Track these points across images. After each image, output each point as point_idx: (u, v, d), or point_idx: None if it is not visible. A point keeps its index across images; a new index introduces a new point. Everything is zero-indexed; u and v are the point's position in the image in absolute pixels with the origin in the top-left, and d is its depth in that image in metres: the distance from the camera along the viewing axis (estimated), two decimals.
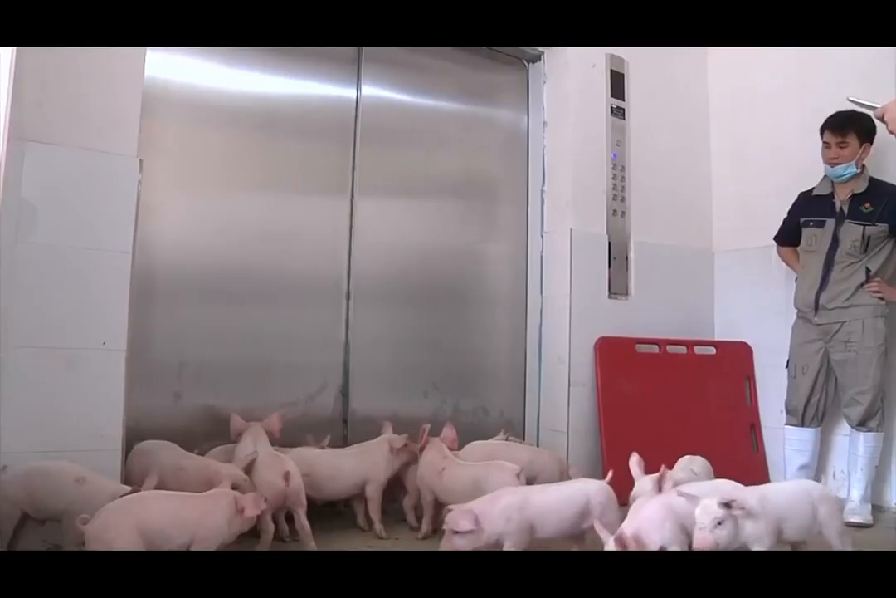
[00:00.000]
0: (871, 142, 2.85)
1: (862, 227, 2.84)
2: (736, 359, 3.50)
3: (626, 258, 3.41)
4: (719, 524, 1.66)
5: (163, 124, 2.60)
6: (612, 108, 3.43)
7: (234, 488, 1.89)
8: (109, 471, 2.10)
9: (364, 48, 3.08)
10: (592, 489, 1.98)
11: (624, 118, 3.46)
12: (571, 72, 3.35)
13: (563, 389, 3.15)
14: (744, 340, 3.53)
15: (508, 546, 1.85)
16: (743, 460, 3.30)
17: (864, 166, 2.91)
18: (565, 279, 3.22)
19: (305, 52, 2.91)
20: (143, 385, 2.42)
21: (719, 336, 3.65)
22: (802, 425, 3.00)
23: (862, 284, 2.83)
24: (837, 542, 1.89)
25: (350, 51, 3.06)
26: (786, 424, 3.08)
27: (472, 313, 3.30)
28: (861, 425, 2.84)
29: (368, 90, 3.09)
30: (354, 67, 3.08)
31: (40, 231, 2.14)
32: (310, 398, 2.85)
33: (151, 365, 2.52)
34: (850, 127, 2.83)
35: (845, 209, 2.90)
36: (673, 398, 3.22)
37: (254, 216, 2.80)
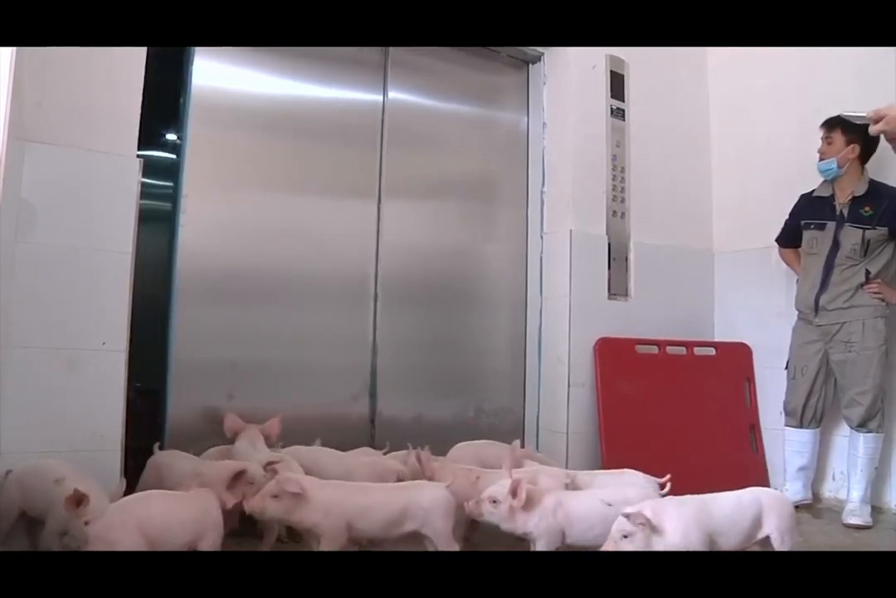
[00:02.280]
0: (862, 144, 2.85)
1: (862, 230, 2.84)
2: (736, 360, 3.50)
3: (626, 259, 3.41)
4: (625, 537, 1.66)
5: (208, 129, 2.73)
6: (611, 108, 3.43)
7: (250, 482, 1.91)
8: (109, 471, 2.11)
9: (391, 54, 3.16)
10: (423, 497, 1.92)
11: (624, 119, 3.47)
12: (571, 73, 3.35)
13: (562, 389, 3.15)
14: (743, 341, 3.53)
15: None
16: (742, 461, 3.30)
17: (864, 169, 2.91)
18: (565, 280, 3.22)
19: (336, 57, 3.02)
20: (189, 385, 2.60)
21: (719, 337, 3.65)
22: (801, 426, 3.01)
23: (862, 286, 2.84)
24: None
25: (377, 56, 3.14)
26: (785, 425, 3.08)
27: (477, 314, 3.32)
28: (861, 426, 2.83)
29: (393, 95, 3.17)
30: (381, 72, 3.16)
31: (40, 231, 2.13)
32: (341, 399, 2.93)
33: (198, 366, 2.64)
34: (837, 124, 2.87)
35: (845, 212, 2.90)
36: (673, 399, 3.22)
37: (288, 218, 2.89)
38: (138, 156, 2.33)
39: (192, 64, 2.71)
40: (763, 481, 3.26)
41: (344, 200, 3.03)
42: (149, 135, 2.48)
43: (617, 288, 3.36)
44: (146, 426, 2.52)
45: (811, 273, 2.98)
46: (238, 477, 1.89)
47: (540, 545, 1.88)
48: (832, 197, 2.96)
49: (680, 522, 1.71)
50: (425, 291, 3.19)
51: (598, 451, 3.04)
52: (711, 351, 3.48)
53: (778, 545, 1.83)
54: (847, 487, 2.90)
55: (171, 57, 2.72)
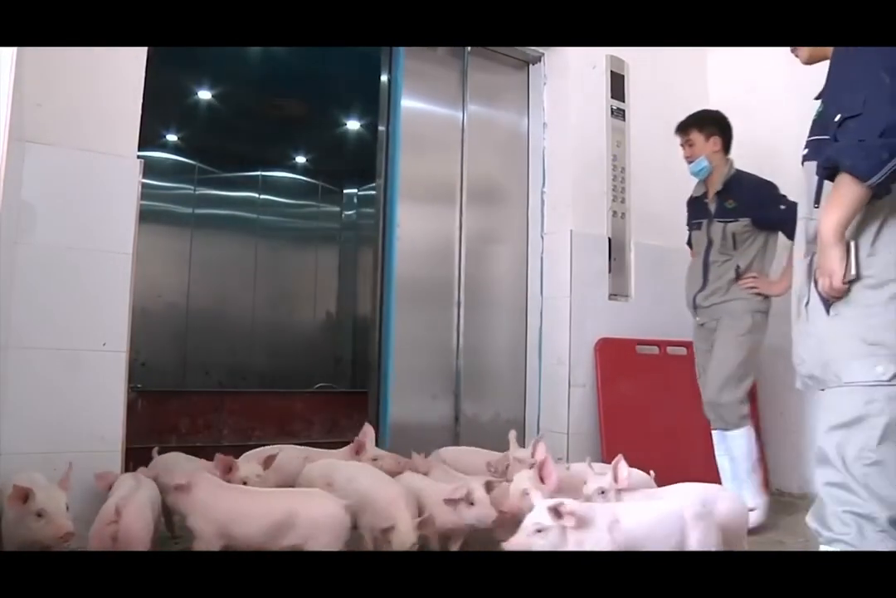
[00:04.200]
0: (720, 134, 2.82)
1: (724, 224, 2.78)
2: None
3: (627, 259, 3.41)
4: (538, 531, 1.51)
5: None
6: (612, 109, 3.43)
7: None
8: None
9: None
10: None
11: (624, 119, 3.46)
12: (572, 73, 3.36)
13: (563, 390, 3.15)
14: None
15: None
16: None
17: (730, 161, 2.85)
18: (565, 280, 3.22)
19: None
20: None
21: None
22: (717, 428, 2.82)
23: (734, 281, 2.75)
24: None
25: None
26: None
27: (481, 314, 3.36)
28: (719, 421, 2.71)
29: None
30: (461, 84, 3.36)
31: (40, 232, 2.13)
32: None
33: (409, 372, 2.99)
34: (689, 125, 2.86)
35: (712, 208, 2.85)
36: (673, 400, 3.21)
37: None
38: (139, 157, 2.33)
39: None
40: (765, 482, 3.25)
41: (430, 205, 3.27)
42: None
43: (617, 288, 3.36)
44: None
45: (693, 273, 2.92)
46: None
47: None
48: (705, 195, 2.91)
49: (595, 528, 1.56)
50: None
51: (599, 451, 3.04)
52: None
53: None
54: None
55: None
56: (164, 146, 5.36)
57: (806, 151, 1.53)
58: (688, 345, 3.38)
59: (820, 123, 1.51)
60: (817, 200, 1.48)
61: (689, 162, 2.88)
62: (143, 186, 2.36)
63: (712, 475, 2.71)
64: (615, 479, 1.87)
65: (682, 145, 2.90)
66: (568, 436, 3.10)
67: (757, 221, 2.74)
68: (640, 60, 3.52)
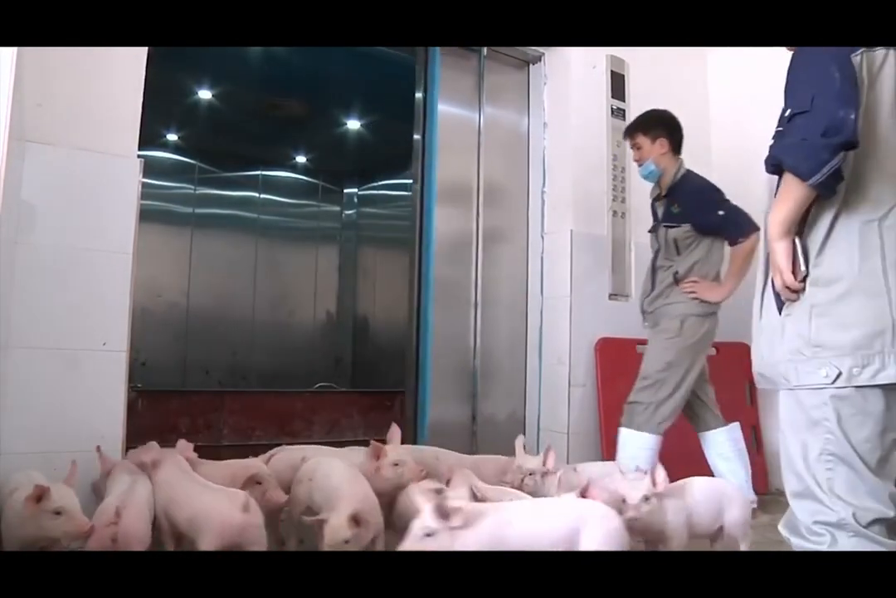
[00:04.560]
0: (668, 136, 2.74)
1: (667, 229, 2.73)
2: (736, 360, 3.48)
3: (627, 259, 3.41)
4: (428, 535, 1.46)
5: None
6: (612, 109, 3.43)
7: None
8: None
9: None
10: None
11: (624, 119, 3.46)
12: (572, 73, 3.36)
13: (563, 390, 3.15)
14: (744, 341, 3.52)
15: None
16: None
17: (679, 162, 2.75)
18: (566, 280, 3.22)
19: None
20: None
21: (720, 337, 3.61)
22: (701, 430, 2.83)
23: (673, 285, 2.70)
24: None
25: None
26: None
27: (493, 314, 3.40)
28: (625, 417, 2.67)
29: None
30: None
31: (41, 232, 2.14)
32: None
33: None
34: (634, 129, 2.81)
35: (660, 212, 2.81)
36: None
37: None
38: (139, 157, 2.33)
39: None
40: (764, 482, 3.25)
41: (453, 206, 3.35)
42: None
43: (618, 288, 3.36)
44: None
45: (645, 278, 2.89)
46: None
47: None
48: (658, 197, 2.85)
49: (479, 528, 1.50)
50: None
51: (599, 451, 3.04)
52: (712, 351, 3.47)
53: None
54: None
55: None
56: (165, 146, 5.36)
57: (772, 141, 1.52)
58: None
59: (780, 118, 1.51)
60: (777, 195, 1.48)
61: (639, 165, 2.82)
62: (144, 185, 2.36)
63: (710, 475, 2.70)
64: (653, 483, 1.87)
65: (631, 148, 2.85)
66: (568, 436, 3.10)
67: (696, 226, 2.67)
68: (641, 61, 3.51)
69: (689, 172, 2.76)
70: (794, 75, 1.43)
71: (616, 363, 3.17)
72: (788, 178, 1.36)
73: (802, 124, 1.34)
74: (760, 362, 1.46)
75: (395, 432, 2.24)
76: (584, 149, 3.34)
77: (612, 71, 3.44)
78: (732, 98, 3.73)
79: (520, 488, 2.10)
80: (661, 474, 1.89)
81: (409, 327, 3.25)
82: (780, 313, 1.41)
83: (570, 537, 1.55)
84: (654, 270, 2.81)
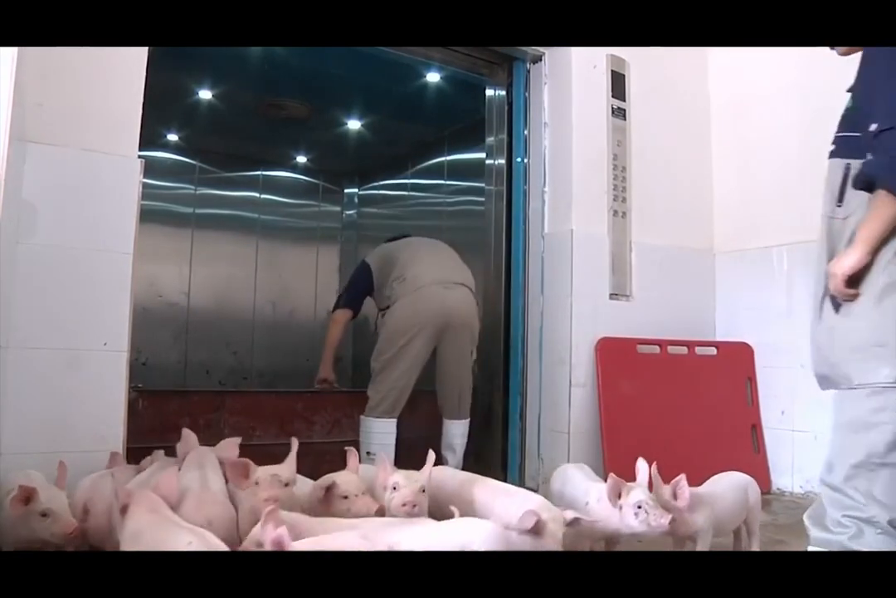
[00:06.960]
0: None
1: None
2: (737, 360, 3.49)
3: (627, 259, 3.41)
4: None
5: None
6: (612, 108, 3.43)
7: None
8: None
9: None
10: None
11: (625, 119, 3.46)
12: (572, 72, 3.35)
13: (564, 389, 3.15)
14: (745, 340, 3.52)
15: None
16: (744, 461, 3.28)
17: None
18: (566, 280, 3.22)
19: None
20: None
21: (720, 337, 3.64)
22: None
23: None
24: None
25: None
26: None
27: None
28: None
29: None
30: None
31: (41, 232, 2.14)
32: None
33: None
34: None
35: None
36: (674, 399, 3.21)
37: None
38: (140, 157, 2.33)
39: None
40: (765, 481, 3.25)
41: None
42: None
43: (618, 288, 3.36)
44: None
45: None
46: None
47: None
48: None
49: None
50: None
51: (600, 451, 3.04)
52: (713, 351, 3.48)
53: None
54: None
55: None
56: (165, 146, 5.35)
57: (833, 147, 1.50)
58: (689, 344, 3.39)
59: (850, 119, 1.47)
60: (840, 199, 1.46)
61: None
62: (144, 185, 2.36)
63: (713, 475, 2.70)
64: (674, 496, 1.80)
65: None
66: (568, 436, 3.10)
67: None
68: (641, 60, 3.51)
69: None
70: (876, 84, 1.39)
71: (617, 363, 3.17)
72: (881, 195, 1.34)
73: (892, 140, 1.31)
74: (818, 363, 1.46)
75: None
76: (585, 148, 3.33)
77: (612, 70, 3.44)
78: (733, 97, 3.72)
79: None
80: (683, 486, 1.81)
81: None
82: (836, 312, 1.42)
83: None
84: None
